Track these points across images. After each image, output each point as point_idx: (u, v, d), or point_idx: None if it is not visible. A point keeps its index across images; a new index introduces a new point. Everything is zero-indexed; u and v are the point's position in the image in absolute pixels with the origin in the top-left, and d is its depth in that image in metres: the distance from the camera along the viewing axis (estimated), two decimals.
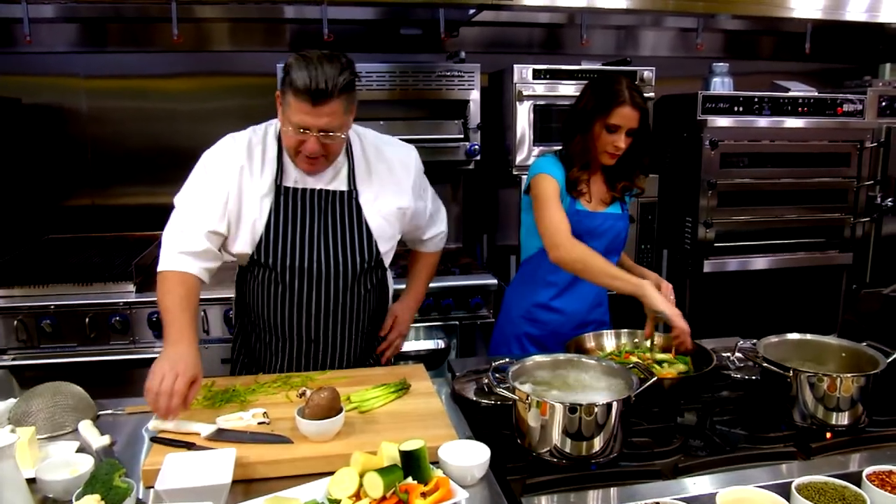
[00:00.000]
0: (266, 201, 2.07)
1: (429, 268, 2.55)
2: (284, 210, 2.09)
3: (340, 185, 2.14)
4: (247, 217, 2.07)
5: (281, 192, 2.08)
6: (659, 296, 2.15)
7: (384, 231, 2.18)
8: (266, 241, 2.09)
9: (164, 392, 1.71)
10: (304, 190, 2.10)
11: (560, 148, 2.49)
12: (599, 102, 2.31)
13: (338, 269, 2.12)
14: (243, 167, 2.06)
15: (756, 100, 3.72)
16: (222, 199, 2.05)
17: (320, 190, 2.11)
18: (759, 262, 3.85)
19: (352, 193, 2.14)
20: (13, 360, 3.08)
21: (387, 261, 2.25)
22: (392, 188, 2.18)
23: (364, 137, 2.21)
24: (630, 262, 2.65)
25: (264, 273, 2.14)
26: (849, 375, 1.78)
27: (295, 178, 2.10)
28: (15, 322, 3.06)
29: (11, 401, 1.87)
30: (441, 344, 3.42)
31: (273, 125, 2.14)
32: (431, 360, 3.35)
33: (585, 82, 2.47)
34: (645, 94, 3.52)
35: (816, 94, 3.84)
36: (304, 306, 2.15)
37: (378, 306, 2.31)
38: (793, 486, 1.50)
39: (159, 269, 2.03)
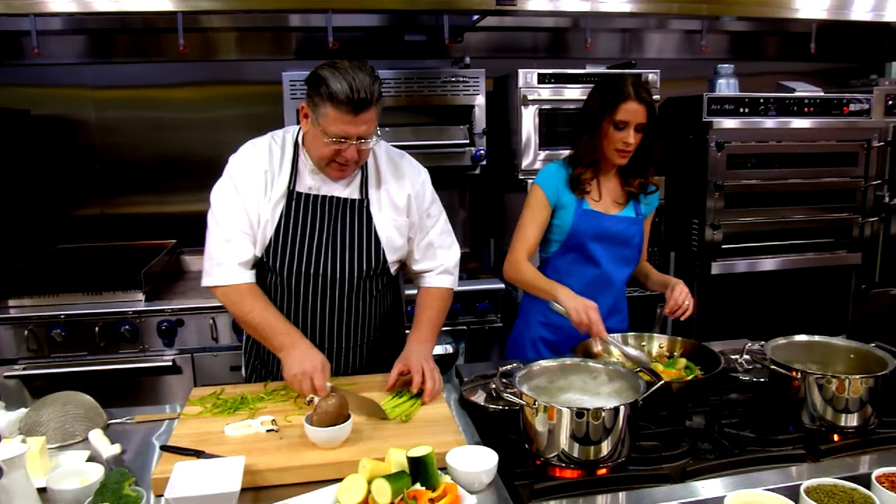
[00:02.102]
0: (278, 206, 2.11)
1: (428, 305, 2.28)
2: (295, 215, 2.11)
3: (353, 193, 2.15)
4: (261, 220, 2.11)
5: (293, 197, 2.11)
6: (568, 296, 2.23)
7: (393, 241, 2.19)
8: (274, 245, 2.12)
9: (308, 392, 1.94)
10: (316, 196, 2.13)
11: (570, 153, 2.50)
12: (605, 100, 2.32)
13: (343, 275, 2.14)
14: (266, 171, 2.10)
15: (762, 101, 3.71)
16: (254, 205, 2.09)
17: (332, 197, 2.13)
18: (768, 263, 3.83)
19: (363, 202, 2.15)
20: (24, 369, 3.10)
21: (392, 269, 2.24)
22: (400, 201, 2.19)
23: (378, 147, 2.22)
24: (652, 269, 2.62)
25: (271, 277, 2.17)
26: (857, 377, 1.77)
27: (309, 184, 2.13)
28: (25, 332, 3.08)
29: (22, 410, 1.89)
30: (449, 349, 3.43)
31: (290, 132, 2.17)
32: (440, 366, 3.30)
33: (592, 85, 2.46)
34: None
35: (822, 94, 3.83)
36: (310, 311, 2.17)
37: (386, 313, 2.31)
38: (801, 488, 1.49)
39: (221, 282, 2.10)
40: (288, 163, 2.13)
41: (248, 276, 2.12)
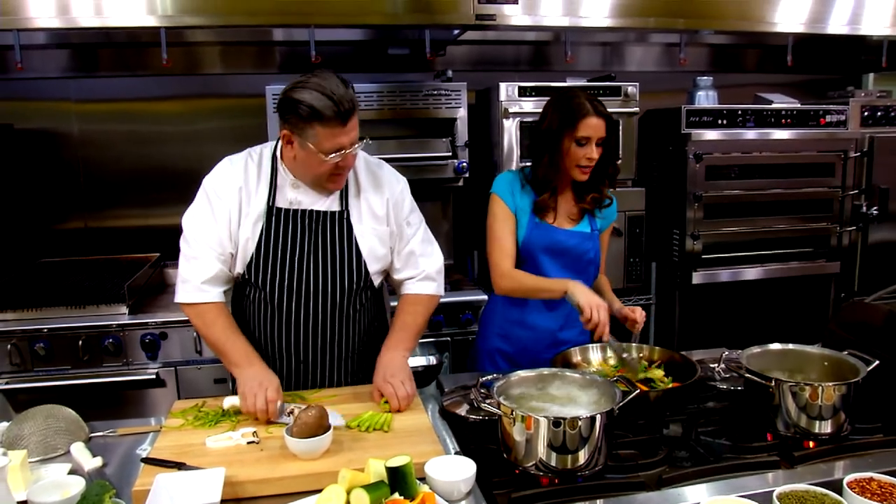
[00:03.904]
0: (258, 223, 2.11)
1: (405, 310, 2.26)
2: (276, 231, 2.12)
3: (333, 205, 2.16)
4: (241, 237, 2.11)
5: (273, 213, 2.12)
6: (580, 289, 2.24)
7: (375, 251, 2.19)
8: (257, 261, 2.12)
9: (261, 410, 1.92)
10: (296, 211, 2.13)
11: (525, 165, 2.53)
12: (564, 118, 2.32)
13: (326, 289, 2.15)
14: (241, 188, 2.11)
15: (739, 112, 3.76)
16: (226, 221, 2.09)
17: (312, 211, 2.14)
18: (748, 273, 3.88)
19: (343, 213, 2.16)
20: (7, 383, 3.09)
21: (376, 281, 2.25)
22: (380, 209, 2.20)
23: (357, 158, 2.23)
24: (605, 287, 2.63)
25: (254, 293, 2.18)
26: (830, 384, 1.80)
27: (290, 199, 2.13)
28: (8, 346, 3.07)
29: (4, 424, 1.89)
30: (433, 360, 3.44)
31: (268, 147, 2.18)
32: (424, 377, 3.36)
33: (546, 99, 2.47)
34: (629, 109, 3.61)
35: (799, 105, 3.89)
36: (293, 326, 2.18)
37: (371, 326, 2.32)
38: (774, 494, 1.52)
39: (184, 300, 2.12)
40: (266, 178, 2.13)
41: (213, 296, 2.11)
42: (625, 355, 2.25)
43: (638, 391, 1.78)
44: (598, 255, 2.55)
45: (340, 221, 2.16)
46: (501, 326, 2.55)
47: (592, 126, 2.30)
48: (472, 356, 2.70)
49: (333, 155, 1.97)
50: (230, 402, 2.00)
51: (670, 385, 2.10)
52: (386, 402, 2.02)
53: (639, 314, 2.35)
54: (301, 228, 2.13)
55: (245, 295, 2.22)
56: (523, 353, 2.49)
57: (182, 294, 2.12)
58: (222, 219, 2.09)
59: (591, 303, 2.19)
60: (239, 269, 2.14)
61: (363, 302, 2.25)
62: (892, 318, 2.03)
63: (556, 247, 2.44)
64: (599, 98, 2.38)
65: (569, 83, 3.64)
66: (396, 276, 2.29)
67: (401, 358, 2.15)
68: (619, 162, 2.51)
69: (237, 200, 2.10)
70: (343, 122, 1.92)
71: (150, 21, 2.99)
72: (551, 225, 2.45)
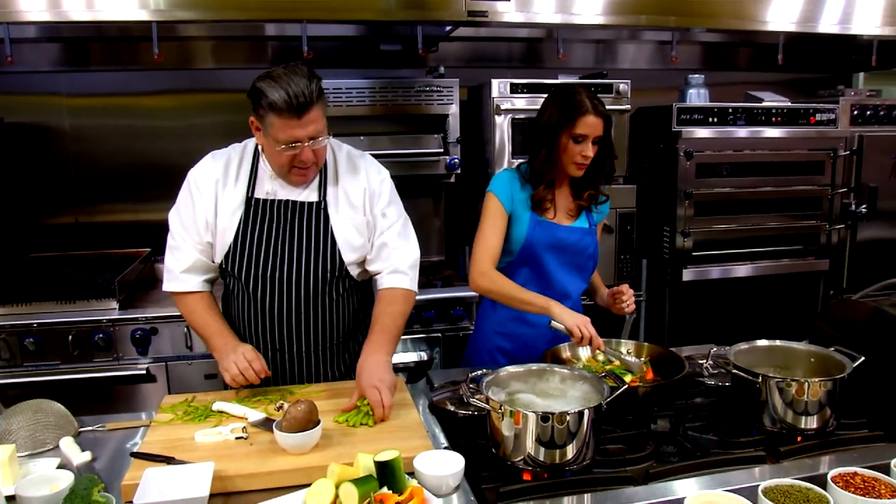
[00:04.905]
0: (237, 213, 2.15)
1: (382, 310, 2.19)
2: (253, 221, 2.15)
3: (311, 195, 2.18)
4: (219, 228, 2.15)
5: (251, 203, 2.15)
6: (564, 311, 2.27)
7: (351, 241, 2.20)
8: (234, 251, 2.16)
9: (244, 368, 2.01)
10: (273, 201, 2.16)
11: (521, 162, 2.53)
12: (563, 114, 2.33)
13: (300, 277, 2.16)
14: (218, 180, 2.15)
15: (730, 111, 3.78)
16: (203, 213, 2.14)
17: (290, 201, 2.17)
18: (738, 270, 3.90)
19: (321, 204, 2.18)
20: None
21: (353, 271, 2.23)
22: (357, 198, 2.21)
23: (339, 150, 2.26)
24: (601, 285, 2.65)
25: (234, 283, 2.22)
26: (816, 380, 1.82)
27: (267, 189, 2.17)
28: None
29: None
30: (424, 356, 3.45)
31: (252, 141, 2.20)
32: (415, 373, 3.37)
33: (545, 96, 2.48)
34: (620, 107, 3.62)
35: (789, 104, 3.91)
36: (269, 314, 2.20)
37: (353, 317, 2.32)
38: (759, 488, 1.53)
39: (167, 289, 2.23)
40: (246, 170, 2.17)
41: (192, 285, 2.19)
42: (625, 357, 2.27)
43: (626, 386, 1.79)
44: (597, 250, 2.56)
45: (318, 212, 2.18)
46: (502, 324, 2.54)
47: (591, 124, 2.31)
48: (468, 354, 2.68)
49: (284, 147, 1.99)
50: (219, 406, 1.99)
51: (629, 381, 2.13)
52: (366, 403, 1.94)
53: (625, 289, 2.38)
54: (278, 218, 2.16)
55: (225, 284, 2.27)
56: (524, 350, 2.48)
57: (166, 283, 2.22)
58: (200, 210, 2.14)
59: (578, 323, 2.22)
60: (217, 259, 2.18)
61: (340, 292, 2.25)
62: (878, 314, 2.05)
63: (559, 244, 2.45)
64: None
65: (561, 80, 3.65)
66: (369, 268, 2.28)
67: (385, 363, 2.05)
68: (616, 160, 2.50)
69: (213, 193, 2.15)
70: (297, 114, 1.94)
71: (142, 15, 2.99)
72: (552, 222, 2.45)
